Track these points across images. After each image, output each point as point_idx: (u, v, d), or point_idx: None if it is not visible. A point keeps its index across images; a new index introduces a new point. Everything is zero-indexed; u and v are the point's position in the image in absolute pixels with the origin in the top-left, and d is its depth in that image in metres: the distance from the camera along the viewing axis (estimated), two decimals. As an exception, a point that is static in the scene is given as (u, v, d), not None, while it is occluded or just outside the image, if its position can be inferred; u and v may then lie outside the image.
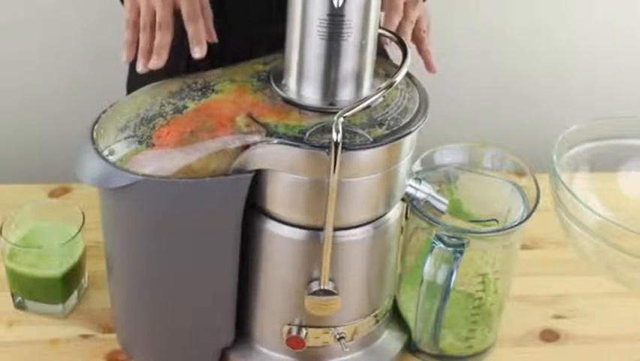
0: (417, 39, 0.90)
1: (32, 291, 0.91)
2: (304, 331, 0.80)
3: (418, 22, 0.89)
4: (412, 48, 0.81)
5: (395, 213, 0.80)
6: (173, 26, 0.80)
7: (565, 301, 0.98)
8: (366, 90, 0.76)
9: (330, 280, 0.77)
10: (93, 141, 0.74)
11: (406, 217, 0.83)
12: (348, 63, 0.73)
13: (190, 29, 0.80)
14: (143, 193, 0.73)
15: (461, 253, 0.79)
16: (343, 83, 0.74)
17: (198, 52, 0.80)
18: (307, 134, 0.71)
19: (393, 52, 0.86)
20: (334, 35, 0.71)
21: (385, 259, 0.81)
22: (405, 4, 0.87)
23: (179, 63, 0.89)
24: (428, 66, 0.90)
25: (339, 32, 0.71)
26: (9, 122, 1.35)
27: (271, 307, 0.81)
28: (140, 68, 0.81)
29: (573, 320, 0.96)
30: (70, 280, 0.91)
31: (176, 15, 0.81)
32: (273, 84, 0.76)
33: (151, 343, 0.85)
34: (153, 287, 0.80)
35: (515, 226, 0.81)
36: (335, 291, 0.77)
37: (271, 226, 0.76)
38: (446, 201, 0.81)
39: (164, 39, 0.80)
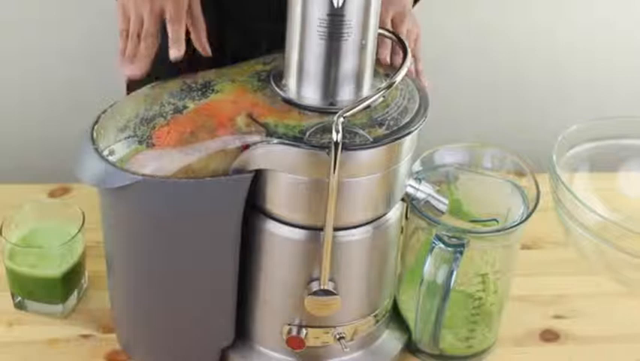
0: None
1: (32, 291, 0.91)
2: (304, 331, 0.80)
3: (408, 36, 0.87)
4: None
5: (395, 213, 0.80)
6: (159, 36, 0.81)
7: (565, 301, 0.98)
8: (366, 90, 0.76)
9: (330, 280, 0.77)
10: (93, 141, 0.74)
11: (406, 217, 0.83)
12: (348, 63, 0.73)
13: (171, 31, 0.81)
14: (143, 193, 0.73)
15: (461, 253, 0.79)
16: (343, 83, 0.74)
17: (175, 53, 0.80)
18: (307, 134, 0.71)
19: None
20: (334, 35, 0.71)
21: (385, 259, 0.81)
22: (392, 19, 0.86)
23: (181, 64, 0.89)
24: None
25: (339, 32, 0.71)
26: (9, 122, 1.35)
27: (271, 308, 0.81)
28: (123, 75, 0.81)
29: (573, 320, 0.96)
30: (71, 280, 0.91)
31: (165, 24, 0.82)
32: (273, 84, 0.76)
33: (151, 343, 0.85)
34: (153, 287, 0.80)
35: (515, 225, 0.81)
36: (335, 291, 0.77)
37: (271, 226, 0.76)
38: (446, 201, 0.81)
39: (147, 50, 0.80)
